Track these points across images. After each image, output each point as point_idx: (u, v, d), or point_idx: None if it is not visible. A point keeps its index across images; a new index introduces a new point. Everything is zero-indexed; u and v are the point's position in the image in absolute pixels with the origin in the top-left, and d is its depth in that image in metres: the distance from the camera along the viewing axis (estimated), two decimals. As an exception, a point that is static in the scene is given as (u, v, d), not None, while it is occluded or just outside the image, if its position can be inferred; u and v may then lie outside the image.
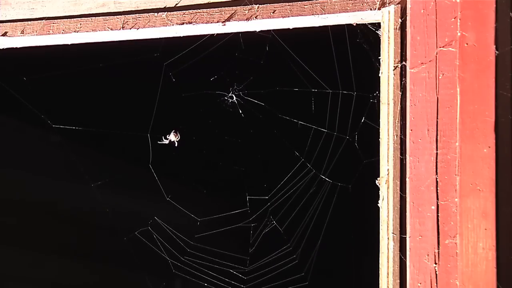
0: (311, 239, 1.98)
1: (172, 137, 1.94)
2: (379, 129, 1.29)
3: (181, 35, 1.44)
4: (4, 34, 1.49)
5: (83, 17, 1.46)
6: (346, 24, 1.38)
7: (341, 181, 1.83)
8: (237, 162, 2.12)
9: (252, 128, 2.04)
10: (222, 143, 2.09)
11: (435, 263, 1.20)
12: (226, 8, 1.38)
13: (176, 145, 1.94)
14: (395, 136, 1.26)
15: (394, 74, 1.27)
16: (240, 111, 2.02)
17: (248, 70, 1.92)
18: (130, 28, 1.42)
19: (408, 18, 1.26)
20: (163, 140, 1.93)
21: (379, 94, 1.30)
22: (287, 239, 2.01)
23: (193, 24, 1.39)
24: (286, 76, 1.72)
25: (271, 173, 2.01)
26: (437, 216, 1.21)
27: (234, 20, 1.37)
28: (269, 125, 1.98)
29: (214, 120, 2.07)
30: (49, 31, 1.46)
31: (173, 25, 1.40)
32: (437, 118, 1.22)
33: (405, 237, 1.23)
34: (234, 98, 2.01)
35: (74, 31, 1.45)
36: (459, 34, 1.21)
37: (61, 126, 1.96)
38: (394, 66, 1.27)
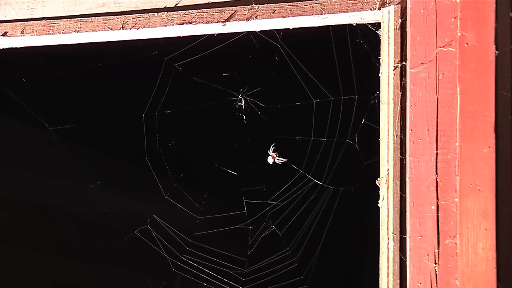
0: (311, 241, 1.98)
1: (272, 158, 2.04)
2: (379, 130, 1.29)
3: (181, 35, 1.44)
4: (4, 34, 1.49)
5: (83, 17, 1.46)
6: (346, 24, 1.38)
7: (342, 184, 1.82)
8: (239, 165, 2.12)
9: (254, 134, 2.05)
10: (223, 146, 2.10)
11: (435, 263, 1.20)
12: (226, 8, 1.38)
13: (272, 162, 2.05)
14: (395, 136, 1.26)
15: (394, 74, 1.27)
16: (244, 117, 2.04)
17: (251, 74, 1.92)
18: (130, 28, 1.42)
19: (408, 18, 1.26)
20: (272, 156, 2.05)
21: (379, 94, 1.30)
22: (287, 243, 2.01)
23: (193, 24, 1.39)
24: (288, 78, 1.72)
25: (273, 180, 2.01)
26: (437, 216, 1.20)
27: (234, 20, 1.37)
28: (269, 138, 2.01)
29: (218, 123, 2.08)
30: (49, 31, 1.46)
31: (173, 25, 1.40)
32: (437, 118, 1.22)
33: (405, 237, 1.23)
34: (243, 102, 2.03)
35: (74, 31, 1.45)
36: (459, 34, 1.21)
37: (58, 127, 1.96)
38: (394, 66, 1.26)
